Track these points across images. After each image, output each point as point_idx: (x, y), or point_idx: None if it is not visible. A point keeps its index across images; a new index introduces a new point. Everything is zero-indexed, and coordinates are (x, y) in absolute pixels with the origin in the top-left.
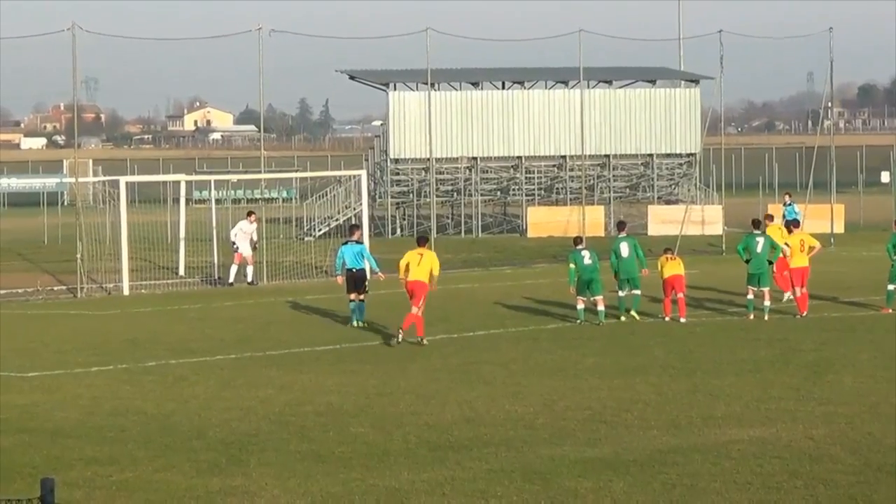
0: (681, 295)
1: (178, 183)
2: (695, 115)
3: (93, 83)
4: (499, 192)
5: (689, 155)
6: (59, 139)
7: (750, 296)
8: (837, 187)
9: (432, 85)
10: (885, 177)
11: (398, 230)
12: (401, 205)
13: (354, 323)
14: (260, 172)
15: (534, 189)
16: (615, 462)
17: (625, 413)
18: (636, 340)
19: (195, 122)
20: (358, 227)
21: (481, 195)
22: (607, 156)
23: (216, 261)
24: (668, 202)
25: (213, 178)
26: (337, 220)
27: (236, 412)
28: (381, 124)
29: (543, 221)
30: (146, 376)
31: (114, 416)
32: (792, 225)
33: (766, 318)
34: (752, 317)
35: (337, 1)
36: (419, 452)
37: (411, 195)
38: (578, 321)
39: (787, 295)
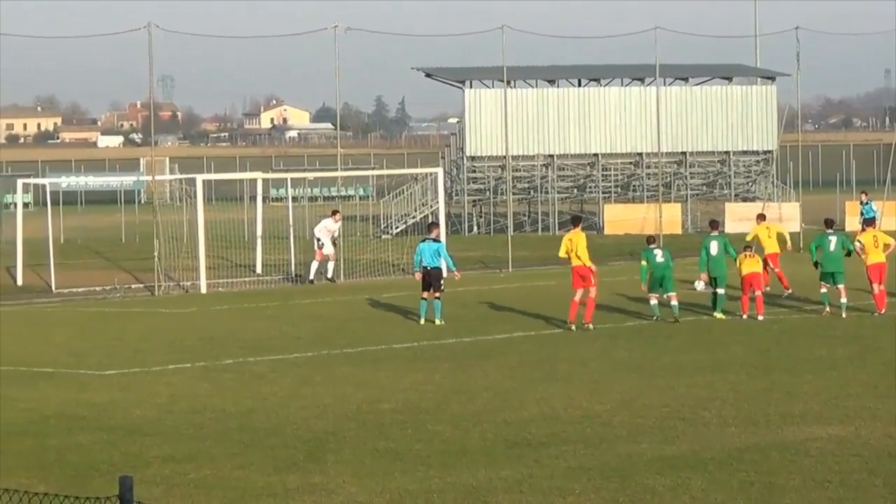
0: (759, 293)
1: (254, 181)
2: (771, 111)
3: (169, 81)
4: (575, 190)
5: (765, 152)
6: (136, 137)
7: (823, 290)
8: None
9: (508, 82)
10: None
11: (475, 228)
12: (477, 202)
13: (422, 321)
14: (336, 170)
15: (610, 186)
16: (693, 460)
17: (703, 410)
18: (714, 338)
19: (271, 120)
20: (436, 224)
21: (558, 192)
22: (684, 153)
23: (293, 258)
24: (744, 199)
25: (289, 175)
26: (413, 217)
27: (314, 409)
28: (458, 122)
29: (620, 219)
30: (224, 374)
31: (191, 413)
32: (867, 223)
33: (843, 315)
34: (827, 310)
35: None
36: (497, 450)
37: (488, 193)
38: (654, 317)
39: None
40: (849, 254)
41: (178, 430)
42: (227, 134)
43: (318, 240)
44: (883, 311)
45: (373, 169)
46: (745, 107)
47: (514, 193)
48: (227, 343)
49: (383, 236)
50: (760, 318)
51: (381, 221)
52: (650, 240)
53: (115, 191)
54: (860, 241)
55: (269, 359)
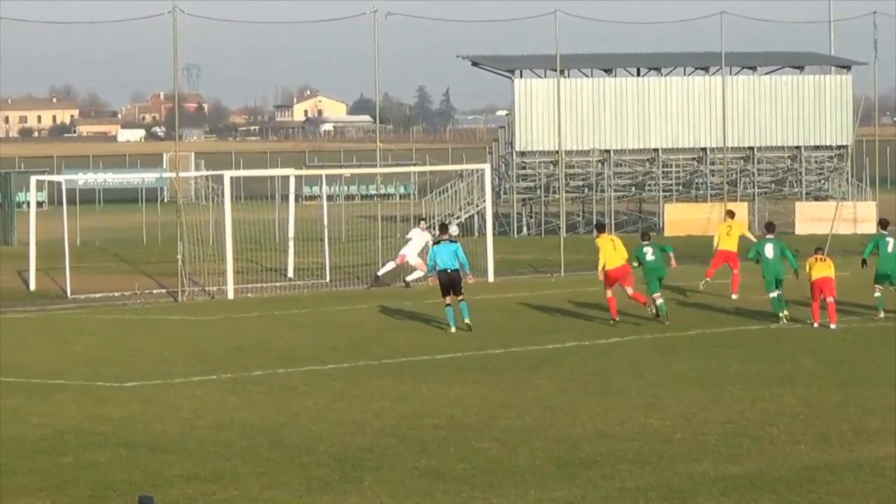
0: (830, 299)
1: (286, 178)
2: (846, 103)
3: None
4: (633, 188)
5: (839, 147)
6: (159, 131)
7: (878, 293)
8: None
9: (561, 72)
10: None
11: (524, 228)
12: (527, 201)
13: (453, 328)
14: (375, 166)
15: (671, 184)
16: (759, 480)
17: (770, 427)
18: (782, 348)
19: (305, 113)
20: (449, 224)
21: (614, 191)
22: (751, 148)
23: (328, 262)
24: (816, 198)
25: (324, 172)
26: (458, 217)
27: (349, 425)
28: (507, 114)
29: (682, 219)
30: (252, 386)
31: (217, 429)
32: None
33: None
34: (881, 315)
35: None
36: (547, 469)
37: (539, 191)
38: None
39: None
40: None
41: (203, 446)
42: (257, 127)
43: (409, 240)
44: None
45: (415, 165)
46: (818, 98)
47: (567, 192)
48: (256, 353)
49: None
50: (833, 326)
51: (424, 222)
52: (645, 236)
53: (135, 189)
54: None
55: (301, 370)
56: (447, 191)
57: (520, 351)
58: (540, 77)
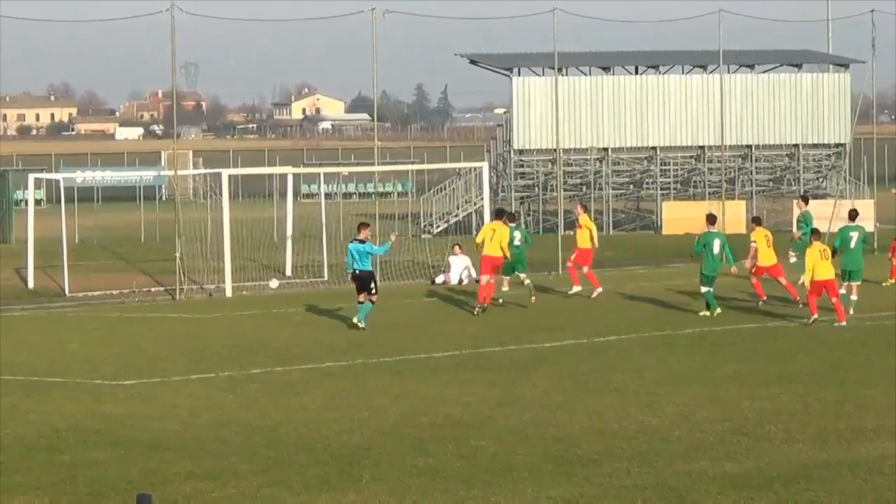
0: (835, 300)
1: (284, 176)
2: (844, 102)
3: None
4: (631, 186)
5: (837, 145)
6: (157, 129)
7: (842, 290)
8: None
9: (559, 70)
10: None
11: (523, 226)
12: (525, 199)
13: (362, 324)
14: (373, 164)
15: (669, 182)
16: (757, 478)
17: (768, 425)
18: (780, 346)
19: (303, 111)
20: (367, 224)
21: (612, 189)
22: (749, 146)
23: (325, 260)
24: (814, 196)
25: (322, 170)
26: (456, 216)
27: (347, 423)
28: (504, 112)
29: (680, 217)
30: (250, 385)
31: (215, 427)
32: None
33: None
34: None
35: None
36: (545, 467)
37: (536, 189)
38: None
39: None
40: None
41: (201, 445)
42: (255, 125)
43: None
44: None
45: (412, 163)
46: (816, 96)
47: (565, 190)
48: (254, 351)
49: (423, 236)
50: (843, 324)
51: (422, 220)
52: (511, 217)
53: (133, 187)
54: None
55: (299, 368)
56: (445, 189)
57: (518, 349)
58: (538, 75)
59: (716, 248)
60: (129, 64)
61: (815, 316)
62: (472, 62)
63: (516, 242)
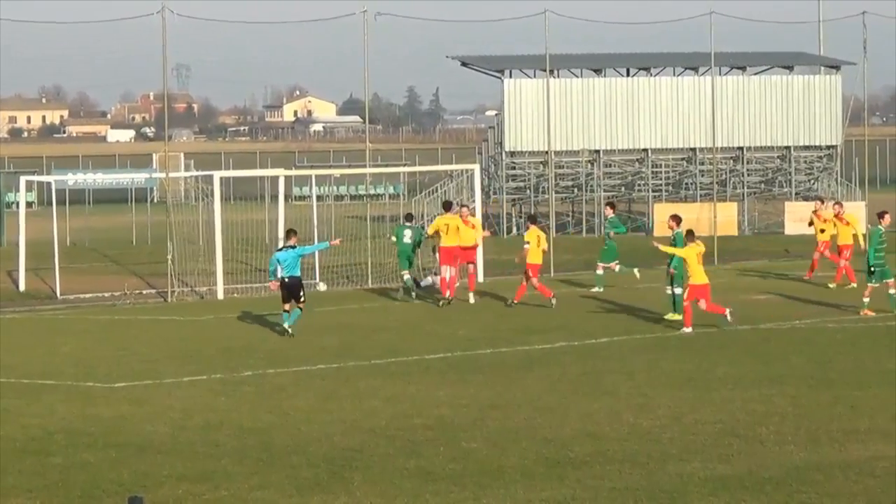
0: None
1: (276, 178)
2: (836, 104)
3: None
4: (623, 188)
5: (829, 147)
6: (149, 131)
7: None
8: None
9: (551, 72)
10: None
11: (514, 228)
12: (517, 201)
13: (287, 326)
14: (365, 167)
15: (661, 184)
16: (749, 480)
17: (759, 427)
18: (771, 348)
19: (295, 113)
20: (295, 231)
21: (604, 191)
22: (741, 148)
23: (317, 262)
24: (806, 198)
25: (314, 172)
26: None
27: (339, 426)
28: (496, 114)
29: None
30: (242, 387)
31: (206, 429)
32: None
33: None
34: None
35: None
36: (536, 470)
37: (528, 191)
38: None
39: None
40: None
41: (193, 447)
42: (246, 128)
43: None
44: None
45: (404, 165)
46: (808, 98)
47: (556, 192)
48: (246, 353)
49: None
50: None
51: (413, 222)
52: (408, 217)
53: (125, 189)
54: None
55: (290, 371)
56: (436, 191)
57: (509, 351)
58: (529, 77)
59: (407, 239)
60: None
61: (689, 329)
62: (464, 64)
63: (406, 240)
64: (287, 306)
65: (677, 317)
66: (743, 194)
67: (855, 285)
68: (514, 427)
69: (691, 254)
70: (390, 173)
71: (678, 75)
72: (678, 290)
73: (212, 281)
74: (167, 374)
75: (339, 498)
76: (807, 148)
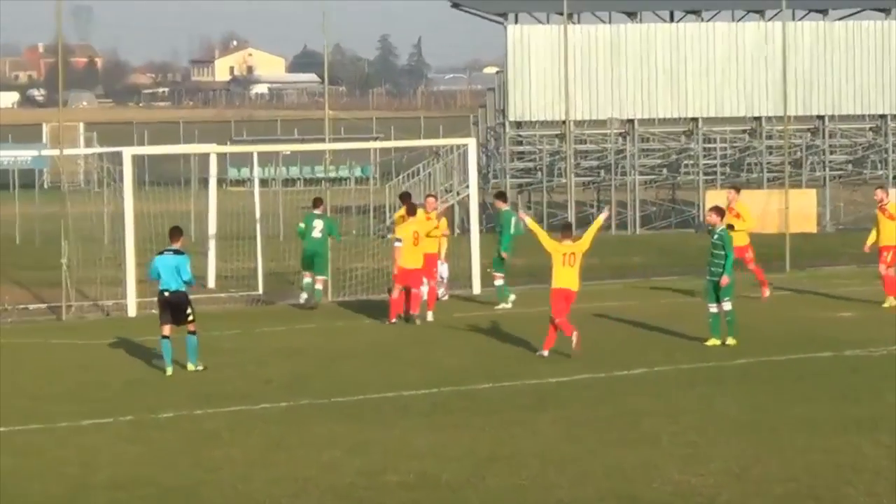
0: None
1: (206, 157)
2: None
3: (85, 14)
4: (665, 170)
5: None
6: (38, 94)
7: None
8: None
9: (570, 16)
10: None
11: (521, 224)
12: (524, 188)
13: (169, 370)
14: (324, 141)
15: (715, 165)
16: None
17: (845, 486)
18: (860, 382)
19: (231, 70)
20: (180, 230)
21: (640, 174)
22: (820, 117)
23: (261, 268)
24: None
25: (256, 149)
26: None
27: (289, 484)
28: (497, 72)
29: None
30: (161, 433)
31: (115, 489)
32: None
33: None
34: None
35: None
36: None
37: (540, 174)
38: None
39: None
40: None
41: None
42: (166, 90)
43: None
44: None
45: (375, 139)
46: None
47: (577, 175)
48: (166, 388)
49: (389, 236)
50: None
51: (387, 215)
52: (317, 202)
53: (6, 171)
54: None
55: (225, 411)
56: (418, 174)
57: (514, 385)
58: (541, 23)
59: (317, 232)
60: (2, 9)
61: (545, 353)
62: (455, 5)
63: (315, 234)
64: (167, 330)
65: (733, 342)
66: (824, 178)
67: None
68: (519, 486)
69: (557, 252)
70: (357, 150)
71: (738, 20)
72: (727, 306)
73: (120, 293)
74: (62, 416)
75: None
76: None
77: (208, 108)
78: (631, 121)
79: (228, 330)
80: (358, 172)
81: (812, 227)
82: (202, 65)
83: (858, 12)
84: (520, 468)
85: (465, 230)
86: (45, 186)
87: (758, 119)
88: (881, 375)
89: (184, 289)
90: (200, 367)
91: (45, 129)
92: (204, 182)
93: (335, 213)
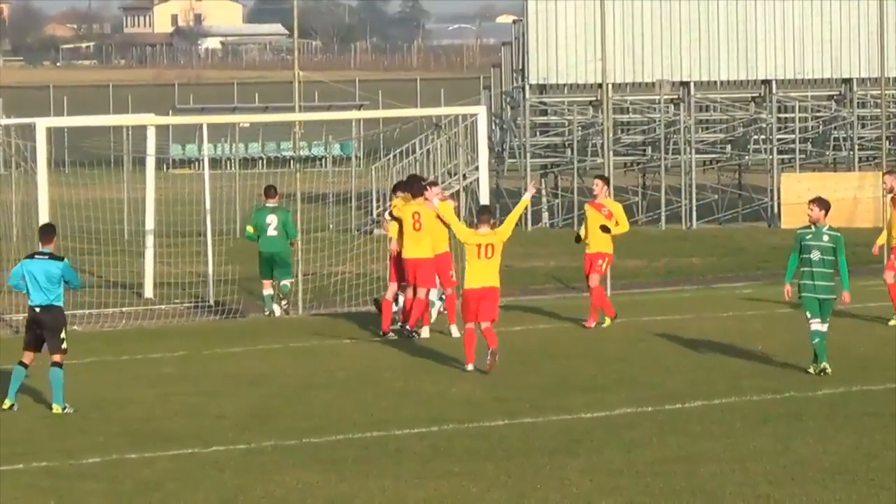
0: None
1: (142, 130)
2: None
3: None
4: (728, 147)
5: None
6: None
7: None
8: None
9: None
10: None
11: (544, 214)
12: (549, 169)
13: (7, 402)
14: (292, 110)
15: (793, 141)
16: None
17: None
18: None
19: (174, 20)
20: (52, 227)
21: (697, 152)
22: None
23: (211, 272)
24: None
25: (205, 120)
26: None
27: None
28: (515, 22)
29: (809, 199)
30: (84, 483)
31: None
32: None
33: None
34: None
35: None
36: None
37: (569, 152)
38: (266, 311)
39: None
40: None
41: None
42: (91, 44)
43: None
44: None
45: (359, 108)
46: None
47: (616, 154)
48: (90, 425)
49: (376, 231)
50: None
51: (373, 204)
52: (270, 191)
53: None
54: None
55: (167, 455)
56: (413, 153)
57: (537, 423)
58: None
59: (814, 254)
60: None
61: (469, 367)
62: None
63: (270, 231)
64: (28, 358)
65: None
66: None
67: None
68: None
69: (470, 242)
70: (335, 121)
71: None
72: (822, 327)
73: None
74: None
75: None
76: None
77: (145, 69)
78: (685, 84)
79: (170, 351)
80: (336, 150)
81: None
82: (137, 13)
83: None
84: None
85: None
86: None
87: (846, 81)
88: None
89: (59, 303)
90: (70, 410)
91: None
92: (140, 162)
93: (306, 202)
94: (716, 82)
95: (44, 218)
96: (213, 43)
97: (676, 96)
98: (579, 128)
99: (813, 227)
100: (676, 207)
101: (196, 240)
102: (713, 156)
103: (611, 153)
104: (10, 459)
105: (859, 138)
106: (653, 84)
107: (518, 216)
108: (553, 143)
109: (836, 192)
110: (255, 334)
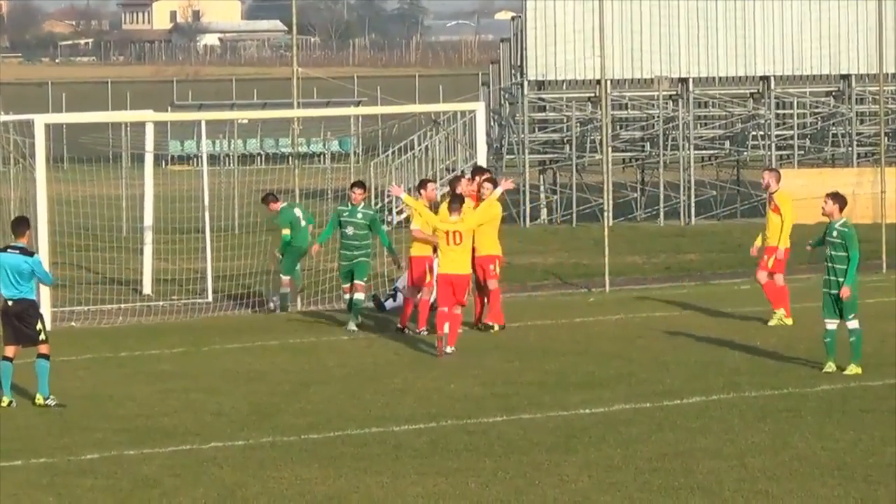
0: None
1: (140, 126)
2: None
3: None
4: (727, 143)
5: None
6: None
7: None
8: None
9: None
10: None
11: (542, 211)
12: (547, 166)
13: (5, 400)
14: (291, 107)
15: (792, 137)
16: None
17: None
18: None
19: (172, 16)
20: (25, 221)
21: (695, 148)
22: None
23: (210, 269)
24: None
25: (204, 116)
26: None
27: None
28: (513, 18)
29: (808, 196)
30: (83, 479)
31: None
32: None
33: None
34: None
35: None
36: None
37: (567, 148)
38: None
39: None
40: None
41: None
42: (90, 41)
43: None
44: None
45: (358, 105)
46: None
47: (615, 150)
48: (89, 421)
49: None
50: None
51: (371, 201)
52: (270, 197)
53: None
54: None
55: (165, 451)
56: (412, 148)
57: (535, 419)
58: None
59: (828, 250)
60: None
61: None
62: None
63: (284, 232)
64: (11, 351)
65: (856, 370)
66: None
67: None
68: None
69: (440, 229)
70: (334, 118)
71: None
72: (853, 324)
73: None
74: None
75: None
76: None
77: (143, 65)
78: (684, 80)
79: (169, 348)
80: (335, 147)
81: None
82: (136, 9)
83: None
84: None
85: None
86: None
87: (845, 77)
88: None
89: (31, 296)
90: (53, 403)
91: None
92: (138, 159)
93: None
94: (714, 78)
95: (42, 215)
96: (211, 39)
97: (675, 92)
98: (578, 124)
99: (830, 220)
100: (675, 203)
101: (194, 236)
102: (711, 152)
103: (609, 149)
104: (8, 456)
105: (857, 134)
106: (651, 80)
107: (487, 208)
108: (551, 139)
109: (833, 188)
110: (253, 331)
